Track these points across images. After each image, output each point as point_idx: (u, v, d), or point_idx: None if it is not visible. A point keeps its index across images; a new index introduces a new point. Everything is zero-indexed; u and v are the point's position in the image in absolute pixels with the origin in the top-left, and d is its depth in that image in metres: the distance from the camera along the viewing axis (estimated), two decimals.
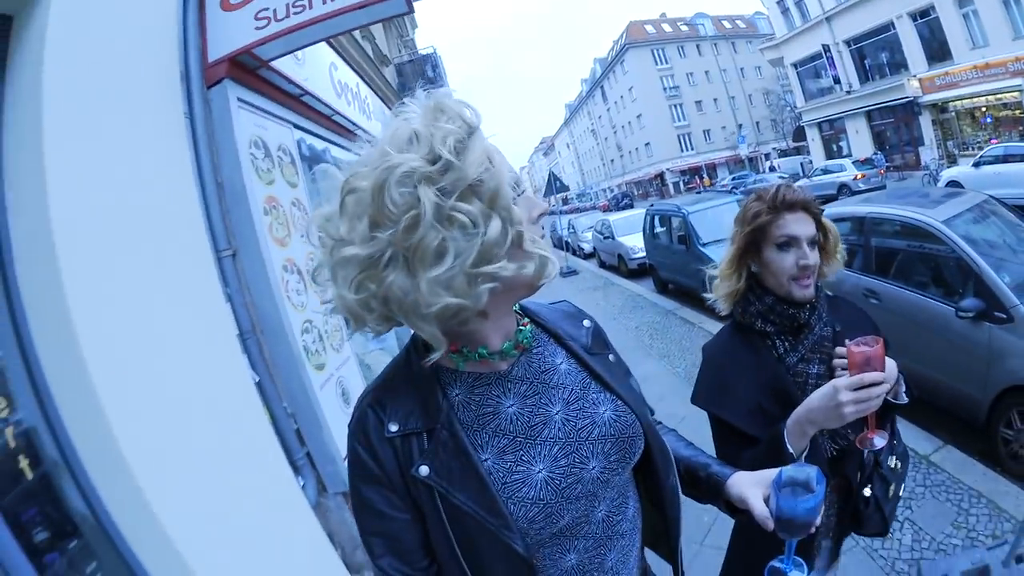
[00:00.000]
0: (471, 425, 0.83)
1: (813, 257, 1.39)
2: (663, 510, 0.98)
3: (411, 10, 2.65)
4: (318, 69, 3.55)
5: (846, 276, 4.88)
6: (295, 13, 2.41)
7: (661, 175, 52.71)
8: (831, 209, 5.63)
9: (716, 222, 8.94)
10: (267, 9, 2.43)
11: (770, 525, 0.90)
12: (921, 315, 4.00)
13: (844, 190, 19.15)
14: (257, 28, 2.43)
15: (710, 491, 1.05)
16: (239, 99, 2.50)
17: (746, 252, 1.47)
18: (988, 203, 4.42)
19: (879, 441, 1.20)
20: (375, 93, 5.59)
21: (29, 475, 1.50)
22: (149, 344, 1.71)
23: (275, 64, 2.73)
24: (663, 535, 1.02)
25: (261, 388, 2.29)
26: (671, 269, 10.07)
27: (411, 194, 0.69)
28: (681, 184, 49.52)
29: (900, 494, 1.52)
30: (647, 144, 54.91)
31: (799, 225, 1.39)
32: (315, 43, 2.75)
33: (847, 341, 1.18)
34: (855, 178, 19.94)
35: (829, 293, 1.53)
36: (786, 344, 1.44)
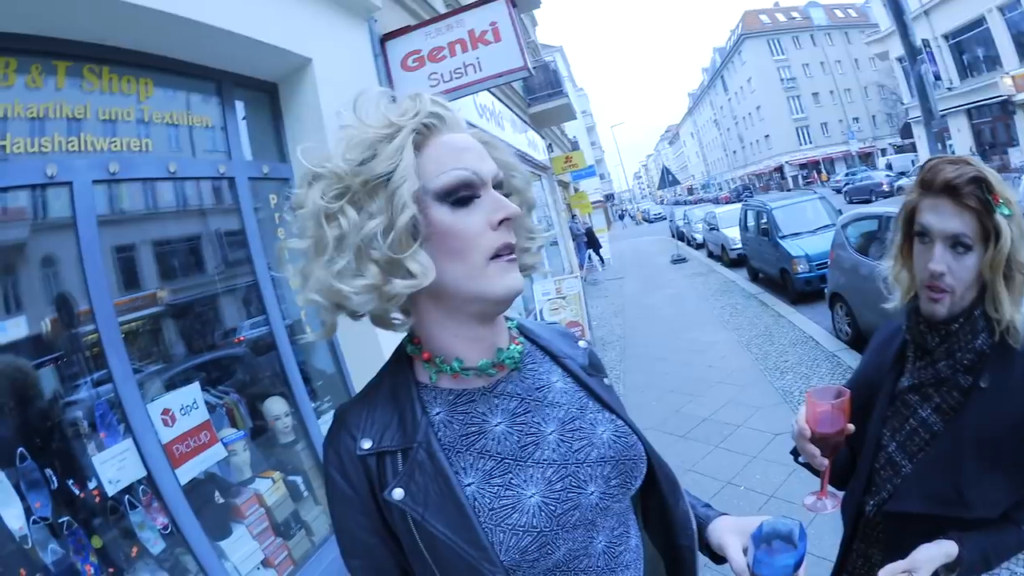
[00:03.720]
0: (453, 446, 0.77)
1: (945, 263, 1.03)
2: (673, 539, 0.91)
3: (532, 73, 3.71)
4: (466, 100, 4.76)
5: (865, 263, 5.50)
6: (455, 79, 3.61)
7: (780, 168, 50.97)
8: (862, 209, 6.07)
9: (798, 217, 9.42)
10: (436, 74, 3.63)
11: None
12: None
13: None
14: (431, 85, 3.60)
15: None
16: None
17: (904, 243, 1.16)
18: None
19: (830, 505, 1.10)
20: (505, 105, 6.81)
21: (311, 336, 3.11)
22: None
23: None
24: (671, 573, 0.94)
25: None
26: (759, 259, 10.69)
27: (304, 194, 0.74)
28: (800, 178, 47.35)
29: None
30: (767, 136, 53.15)
31: (936, 215, 1.04)
32: (468, 95, 3.91)
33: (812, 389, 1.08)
34: None
35: (1018, 346, 1.05)
36: (914, 360, 1.17)
